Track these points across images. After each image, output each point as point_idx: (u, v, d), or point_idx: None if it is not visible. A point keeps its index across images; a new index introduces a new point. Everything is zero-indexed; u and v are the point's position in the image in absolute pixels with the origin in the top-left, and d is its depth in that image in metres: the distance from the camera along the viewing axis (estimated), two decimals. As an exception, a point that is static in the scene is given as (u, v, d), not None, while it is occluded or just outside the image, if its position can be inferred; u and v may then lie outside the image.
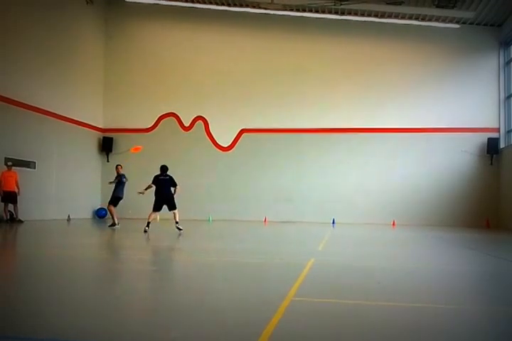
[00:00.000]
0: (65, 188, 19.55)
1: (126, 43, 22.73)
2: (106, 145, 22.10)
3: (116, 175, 14.97)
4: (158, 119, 22.28)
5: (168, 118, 22.24)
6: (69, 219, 18.96)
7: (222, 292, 4.85)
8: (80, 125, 20.73)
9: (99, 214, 21.27)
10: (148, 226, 12.70)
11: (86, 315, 3.81)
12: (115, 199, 14.87)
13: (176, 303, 4.33)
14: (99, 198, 22.06)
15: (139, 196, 13.32)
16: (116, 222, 14.52)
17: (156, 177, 13.37)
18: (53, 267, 6.55)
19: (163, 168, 13.49)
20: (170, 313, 3.95)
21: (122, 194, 14.90)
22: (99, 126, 22.25)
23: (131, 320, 3.77)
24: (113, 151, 22.26)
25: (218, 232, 14.94)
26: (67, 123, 19.84)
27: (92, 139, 21.90)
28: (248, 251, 8.82)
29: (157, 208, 13.19)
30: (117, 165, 15.20)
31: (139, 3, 21.52)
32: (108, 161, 22.26)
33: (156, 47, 22.54)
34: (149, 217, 13.01)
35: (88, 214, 21.45)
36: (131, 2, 21.53)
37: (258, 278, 5.86)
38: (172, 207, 13.24)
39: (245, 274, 6.18)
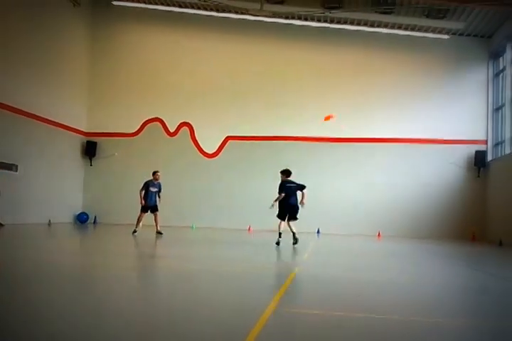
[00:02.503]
0: (46, 192, 19.16)
1: (112, 47, 22.44)
2: (89, 150, 21.70)
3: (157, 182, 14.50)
4: (143, 124, 21.94)
5: (153, 123, 21.91)
6: (50, 224, 18.51)
7: (202, 301, 4.71)
8: (63, 128, 20.33)
9: (81, 219, 20.81)
10: (280, 236, 11.68)
11: (60, 324, 3.55)
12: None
13: (153, 313, 4.12)
14: (80, 203, 21.63)
15: (269, 208, 12.21)
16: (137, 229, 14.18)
17: (282, 184, 11.99)
18: (28, 273, 6.19)
19: (288, 173, 12.10)
20: (145, 324, 3.74)
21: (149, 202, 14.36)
22: (83, 130, 21.85)
23: (104, 332, 3.50)
24: (96, 155, 21.83)
25: (201, 240, 14.63)
26: (51, 126, 19.43)
27: (76, 143, 21.49)
28: (231, 260, 8.59)
29: (282, 217, 11.94)
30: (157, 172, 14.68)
31: (126, 6, 21.29)
32: (91, 165, 21.86)
33: (143, 52, 22.26)
34: (279, 227, 11.85)
35: (69, 218, 20.98)
36: (118, 6, 21.28)
37: (240, 288, 5.68)
38: (294, 218, 11.99)
39: (227, 283, 5.98)
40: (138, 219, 14.28)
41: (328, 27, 20.68)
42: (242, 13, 20.40)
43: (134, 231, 13.95)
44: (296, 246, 11.65)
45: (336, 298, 5.14)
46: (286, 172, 12.10)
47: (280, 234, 11.69)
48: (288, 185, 11.94)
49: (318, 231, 20.08)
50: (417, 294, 5.86)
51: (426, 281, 6.95)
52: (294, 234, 11.80)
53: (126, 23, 22.46)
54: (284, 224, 11.90)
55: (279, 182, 12.16)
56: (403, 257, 11.25)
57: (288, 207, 11.85)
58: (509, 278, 7.48)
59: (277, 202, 12.08)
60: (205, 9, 21.19)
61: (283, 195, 11.83)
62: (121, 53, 22.33)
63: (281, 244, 11.59)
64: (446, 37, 20.14)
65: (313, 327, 3.79)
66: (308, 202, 20.40)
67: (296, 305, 4.66)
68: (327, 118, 13.07)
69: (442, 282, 6.90)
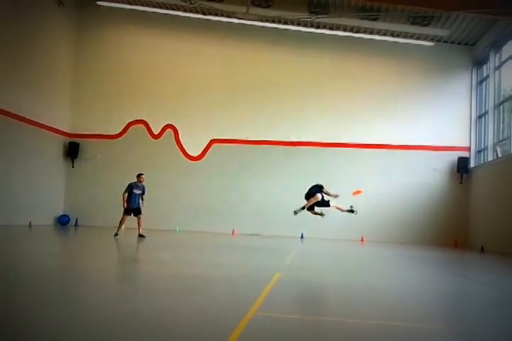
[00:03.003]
0: (27, 194, 18.78)
1: (97, 47, 22.22)
2: (71, 151, 21.41)
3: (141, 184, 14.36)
4: (126, 126, 21.73)
5: (137, 125, 21.71)
6: (30, 226, 18.21)
7: (182, 305, 4.66)
8: (45, 129, 20.02)
9: (62, 222, 20.54)
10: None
11: (35, 330, 3.42)
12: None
13: (132, 317, 4.04)
14: (62, 205, 21.34)
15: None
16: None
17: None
18: (7, 276, 6.04)
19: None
20: (123, 329, 3.63)
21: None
22: (66, 131, 21.55)
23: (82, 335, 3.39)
24: (79, 157, 21.56)
25: (184, 243, 14.51)
26: (32, 126, 19.12)
27: (58, 144, 21.18)
28: (213, 264, 8.50)
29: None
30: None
31: (112, 7, 21.13)
32: (73, 167, 21.60)
33: (129, 53, 22.10)
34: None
35: (50, 220, 20.66)
36: (104, 6, 21.12)
37: (221, 292, 5.62)
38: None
39: (208, 287, 5.92)
40: (120, 222, 14.11)
41: (315, 32, 20.73)
42: (228, 16, 20.38)
43: (116, 234, 13.78)
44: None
45: (317, 302, 5.14)
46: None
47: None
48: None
49: (302, 236, 20.03)
50: (397, 299, 5.86)
51: (406, 286, 6.96)
52: None
53: (112, 24, 22.28)
54: None
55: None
56: (384, 262, 11.25)
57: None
58: (490, 284, 7.50)
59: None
60: (191, 11, 21.11)
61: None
62: (107, 54, 22.13)
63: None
64: (430, 44, 20.29)
65: (293, 332, 3.75)
66: (292, 207, 20.50)
67: (277, 309, 4.61)
68: (356, 193, 13.43)
69: (424, 287, 6.91)
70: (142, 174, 14.50)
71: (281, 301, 5.06)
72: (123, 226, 14.16)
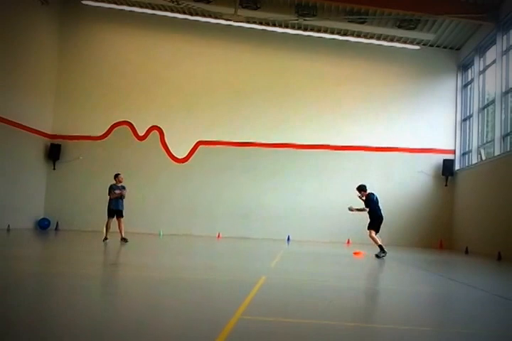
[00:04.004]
0: (6, 196, 18.38)
1: (81, 47, 21.97)
2: (53, 153, 21.06)
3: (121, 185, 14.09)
4: (110, 127, 21.49)
5: (121, 126, 21.48)
6: (9, 229, 17.86)
7: (166, 309, 4.57)
8: (26, 130, 19.65)
9: (42, 225, 20.13)
10: (383, 249, 11.87)
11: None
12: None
13: (116, 322, 3.95)
14: (42, 208, 20.94)
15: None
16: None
17: (371, 195, 12.40)
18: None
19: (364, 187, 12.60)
20: (107, 335, 3.52)
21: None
22: (47, 132, 21.19)
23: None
24: (60, 159, 21.24)
25: (168, 247, 14.36)
26: (12, 127, 18.77)
27: (39, 145, 20.81)
28: (197, 267, 8.40)
29: (374, 227, 12.17)
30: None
31: (97, 7, 20.91)
32: (54, 169, 21.28)
33: (114, 53, 21.90)
34: (376, 240, 12.04)
35: (30, 224, 20.23)
36: (88, 6, 20.89)
37: (206, 296, 5.54)
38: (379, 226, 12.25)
39: (192, 291, 5.81)
40: (106, 226, 13.81)
41: (302, 34, 20.73)
42: (216, 18, 20.29)
43: (105, 239, 13.52)
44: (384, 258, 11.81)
45: (302, 305, 5.07)
46: (364, 188, 12.63)
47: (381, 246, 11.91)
48: (376, 197, 12.46)
49: (288, 239, 19.97)
50: (383, 301, 5.86)
51: (392, 288, 6.97)
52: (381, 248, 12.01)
53: (97, 24, 22.07)
54: (377, 236, 12.13)
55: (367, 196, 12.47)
56: (370, 264, 11.21)
57: (380, 217, 12.32)
58: (475, 285, 7.48)
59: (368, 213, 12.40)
60: (178, 12, 20.99)
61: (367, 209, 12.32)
62: (91, 54, 21.90)
63: None
64: (416, 47, 20.40)
65: (278, 335, 3.71)
66: (279, 209, 20.49)
67: (262, 313, 4.56)
68: (357, 254, 13.25)
69: (409, 289, 6.89)
70: (119, 174, 14.18)
71: (266, 305, 5.01)
72: (109, 230, 13.90)
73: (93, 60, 21.84)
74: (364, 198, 12.46)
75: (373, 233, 12.12)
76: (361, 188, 12.61)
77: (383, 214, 12.44)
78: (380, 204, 12.57)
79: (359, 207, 12.47)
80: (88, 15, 21.79)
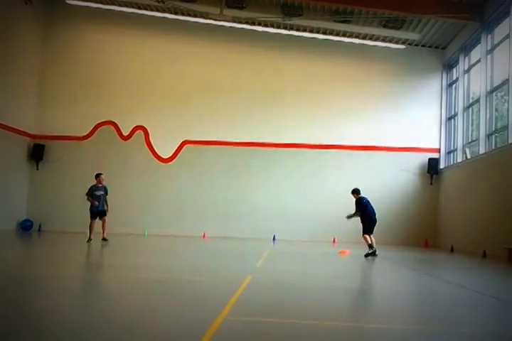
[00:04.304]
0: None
1: (66, 46, 21.71)
2: (36, 153, 20.78)
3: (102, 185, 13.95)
4: (94, 127, 21.27)
5: (105, 126, 21.28)
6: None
7: (152, 310, 4.55)
8: (9, 130, 19.32)
9: (24, 227, 19.80)
10: (372, 248, 12.18)
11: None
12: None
13: (100, 322, 3.95)
14: (24, 209, 20.59)
15: None
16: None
17: (361, 200, 12.60)
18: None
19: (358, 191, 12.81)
20: (91, 334, 3.53)
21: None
22: (31, 132, 20.89)
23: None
24: (44, 159, 20.98)
25: (153, 248, 14.25)
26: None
27: (22, 145, 20.48)
28: (183, 268, 8.34)
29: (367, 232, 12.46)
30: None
31: (81, 6, 20.66)
32: (37, 169, 21.00)
33: (98, 53, 21.66)
34: (366, 239, 12.31)
35: (12, 225, 19.86)
36: (73, 5, 20.65)
37: (191, 296, 5.50)
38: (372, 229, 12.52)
39: (178, 292, 5.78)
40: (90, 227, 13.68)
41: (288, 33, 20.68)
42: (202, 17, 20.17)
43: (89, 240, 13.41)
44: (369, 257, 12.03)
45: (288, 305, 5.06)
46: (358, 191, 12.85)
47: (370, 245, 12.24)
48: (366, 200, 12.64)
49: (274, 238, 19.93)
50: (369, 300, 5.88)
51: (378, 288, 6.98)
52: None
53: (81, 23, 21.82)
54: (369, 237, 12.39)
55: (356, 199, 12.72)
56: (355, 263, 11.22)
57: (374, 220, 12.57)
58: (460, 283, 7.48)
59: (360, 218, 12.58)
60: (164, 11, 20.84)
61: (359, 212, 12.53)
62: (75, 54, 21.64)
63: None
64: (402, 47, 20.45)
65: (263, 335, 3.69)
66: (265, 209, 20.46)
67: (247, 313, 4.55)
68: (343, 253, 13.36)
69: (395, 288, 6.87)
70: (101, 174, 14.05)
71: (252, 305, 4.99)
72: (93, 231, 13.76)
73: (77, 60, 21.58)
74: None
75: (366, 236, 12.46)
76: (353, 191, 12.91)
77: (377, 217, 12.70)
78: (373, 206, 12.79)
79: (350, 213, 12.68)
80: (73, 15, 21.53)
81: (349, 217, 12.75)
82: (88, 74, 21.46)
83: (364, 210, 12.46)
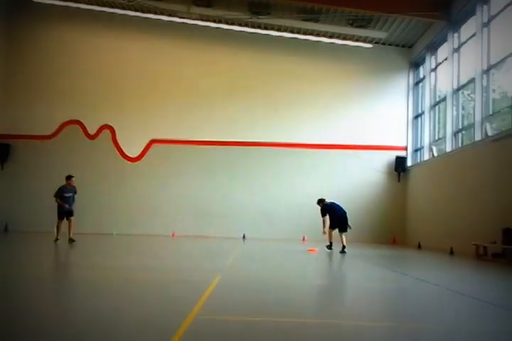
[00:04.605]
0: None
1: (30, 46, 21.26)
2: (1, 153, 20.30)
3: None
4: (60, 126, 20.86)
5: (71, 125, 20.88)
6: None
7: (121, 310, 4.54)
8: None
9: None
10: (331, 245, 13.32)
11: None
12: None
13: (66, 324, 3.88)
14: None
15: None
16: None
17: (325, 206, 13.55)
18: None
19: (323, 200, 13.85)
20: (57, 336, 3.47)
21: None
22: (-5, 132, 20.39)
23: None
24: (9, 159, 20.48)
25: (122, 247, 14.03)
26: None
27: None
28: (150, 268, 8.19)
29: (333, 227, 13.34)
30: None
31: (47, 4, 20.10)
32: (2, 169, 20.54)
33: (64, 52, 21.24)
34: (330, 234, 13.33)
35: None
36: (39, 3, 20.04)
37: (161, 296, 5.44)
38: (345, 229, 13.40)
39: (145, 292, 5.70)
40: (57, 228, 13.59)
41: (257, 32, 20.62)
42: (169, 15, 19.96)
43: (56, 239, 13.30)
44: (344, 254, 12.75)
45: (259, 303, 5.05)
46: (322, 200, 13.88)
47: (331, 243, 13.39)
48: (335, 205, 13.68)
49: (244, 237, 19.87)
50: (338, 297, 5.91)
51: (346, 285, 7.10)
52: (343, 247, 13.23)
53: (47, 22, 21.34)
54: (332, 232, 13.47)
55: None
56: (325, 261, 11.27)
57: (340, 219, 13.46)
58: (426, 279, 7.54)
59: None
60: (130, 9, 20.52)
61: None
62: (40, 52, 21.19)
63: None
64: (369, 46, 20.58)
65: (233, 334, 3.67)
66: (234, 207, 20.40)
67: (218, 311, 4.52)
68: (311, 250, 13.67)
69: (363, 285, 6.89)
70: (72, 177, 14.03)
71: (222, 303, 4.97)
72: (60, 231, 13.55)
73: (42, 59, 21.14)
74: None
75: (331, 231, 13.49)
76: (318, 202, 13.93)
77: (345, 216, 13.58)
78: (340, 206, 13.75)
79: (323, 226, 13.51)
80: (38, 14, 21.04)
81: (324, 231, 13.48)
82: (53, 73, 21.06)
83: (330, 211, 13.42)
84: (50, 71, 21.07)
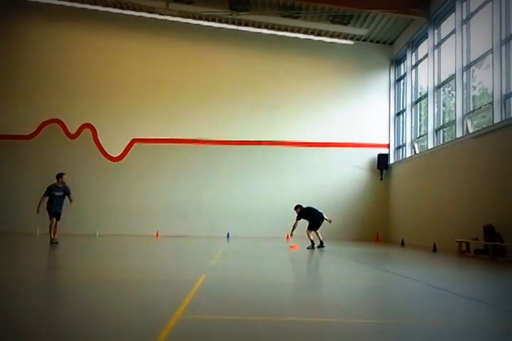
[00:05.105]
0: None
1: (9, 45, 20.94)
2: (-21, 153, 19.99)
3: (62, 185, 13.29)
4: (40, 126, 20.58)
5: (51, 124, 20.62)
6: None
7: (105, 311, 4.46)
8: None
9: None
10: (313, 244, 13.64)
11: None
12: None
13: (51, 324, 3.82)
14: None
15: None
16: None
17: (301, 211, 14.12)
18: None
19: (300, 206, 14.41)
20: (42, 337, 3.42)
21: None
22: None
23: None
24: (-13, 160, 20.20)
25: (105, 248, 13.87)
26: None
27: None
28: (134, 268, 8.10)
29: (312, 228, 14.11)
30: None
31: (28, 2, 19.87)
32: (-18, 170, 20.23)
33: (43, 50, 20.99)
34: (309, 235, 13.93)
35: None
36: (18, 1, 19.83)
37: (145, 296, 5.37)
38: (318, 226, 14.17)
39: (129, 292, 5.63)
40: (50, 228, 13.09)
41: (237, 29, 20.53)
42: (148, 12, 19.78)
43: (52, 240, 12.91)
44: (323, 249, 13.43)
45: (244, 302, 5.00)
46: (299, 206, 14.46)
47: (312, 241, 13.78)
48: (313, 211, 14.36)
49: (228, 236, 19.81)
50: (324, 295, 5.91)
51: (331, 282, 7.02)
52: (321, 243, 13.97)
53: (30, 19, 21.09)
54: (312, 233, 14.09)
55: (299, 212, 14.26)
56: (307, 258, 11.28)
57: (317, 219, 14.23)
58: (410, 276, 7.55)
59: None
60: (109, 6, 20.31)
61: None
62: (20, 51, 20.95)
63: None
64: (350, 43, 20.62)
65: (219, 334, 3.64)
66: (218, 206, 20.33)
67: (203, 311, 4.47)
68: (293, 247, 14.03)
69: (348, 282, 6.89)
70: (63, 174, 13.41)
71: (206, 303, 4.90)
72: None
73: (22, 57, 20.89)
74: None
75: (309, 232, 14.13)
76: (295, 208, 14.41)
77: (322, 217, 14.18)
78: (315, 209, 14.44)
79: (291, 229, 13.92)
80: (18, 12, 20.83)
81: (291, 234, 14.02)
82: (33, 72, 20.81)
83: (308, 215, 14.11)
84: (29, 69, 20.81)
